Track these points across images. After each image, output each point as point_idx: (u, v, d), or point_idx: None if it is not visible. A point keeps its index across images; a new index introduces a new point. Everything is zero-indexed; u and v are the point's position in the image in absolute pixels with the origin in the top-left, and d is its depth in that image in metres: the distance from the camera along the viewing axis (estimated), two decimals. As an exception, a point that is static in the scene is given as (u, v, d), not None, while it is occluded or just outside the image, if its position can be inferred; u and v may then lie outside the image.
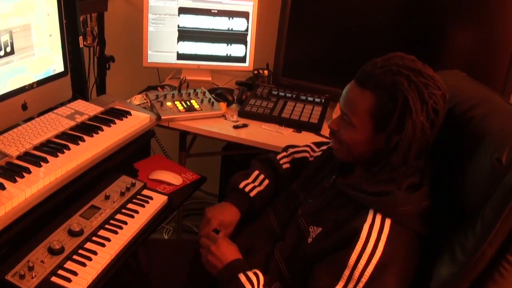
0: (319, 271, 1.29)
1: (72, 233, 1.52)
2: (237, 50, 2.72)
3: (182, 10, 2.63)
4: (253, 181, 1.74)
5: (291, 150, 1.83)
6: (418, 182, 1.31)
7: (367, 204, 1.30)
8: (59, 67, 1.99)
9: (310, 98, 2.44)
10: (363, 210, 1.29)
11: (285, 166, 1.79)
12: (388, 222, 1.25)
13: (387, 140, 1.28)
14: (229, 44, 2.71)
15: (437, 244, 1.29)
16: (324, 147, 1.73)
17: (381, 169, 1.32)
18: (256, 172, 1.76)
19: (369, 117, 1.30)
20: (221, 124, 2.26)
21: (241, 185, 1.71)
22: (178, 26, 2.65)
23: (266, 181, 1.74)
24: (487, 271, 1.13)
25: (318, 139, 2.13)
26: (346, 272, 1.23)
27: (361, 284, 1.22)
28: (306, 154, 1.78)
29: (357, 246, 1.23)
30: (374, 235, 1.24)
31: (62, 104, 2.01)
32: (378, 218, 1.26)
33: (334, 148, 1.45)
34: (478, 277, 1.13)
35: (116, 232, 1.59)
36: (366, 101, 1.29)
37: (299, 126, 2.26)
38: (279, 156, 1.82)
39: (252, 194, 1.70)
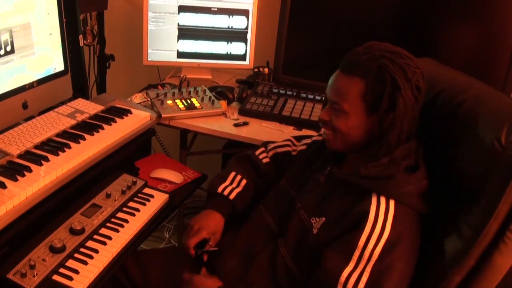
0: (329, 254, 1.33)
1: (73, 232, 1.52)
2: (237, 48, 2.72)
3: (182, 8, 2.63)
4: (231, 183, 1.72)
5: (271, 145, 1.82)
6: (413, 163, 1.37)
7: (371, 188, 1.35)
8: (59, 66, 1.99)
9: (310, 96, 2.44)
10: (366, 195, 1.34)
11: (265, 160, 1.78)
12: (392, 203, 1.31)
13: (382, 120, 1.35)
14: (229, 42, 2.71)
15: (436, 221, 1.36)
16: (307, 141, 1.74)
17: (378, 152, 1.37)
18: (233, 174, 1.74)
19: (360, 101, 1.35)
20: (222, 122, 2.26)
21: (219, 189, 1.69)
22: (178, 24, 2.65)
23: (244, 181, 1.73)
24: (493, 242, 1.20)
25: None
26: (356, 253, 1.28)
27: (371, 264, 1.26)
28: (289, 148, 1.77)
29: (366, 228, 1.28)
30: (381, 216, 1.29)
31: (62, 103, 2.01)
32: (383, 200, 1.32)
33: (328, 140, 1.47)
34: (485, 249, 1.21)
35: (117, 231, 1.59)
36: (355, 87, 1.35)
37: (299, 124, 2.26)
38: (257, 152, 1.81)
39: (232, 196, 1.68)
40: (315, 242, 1.40)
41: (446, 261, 1.27)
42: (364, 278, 1.26)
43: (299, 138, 1.81)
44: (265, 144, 1.86)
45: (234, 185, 1.71)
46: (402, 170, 1.35)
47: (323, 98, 2.41)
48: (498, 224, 1.19)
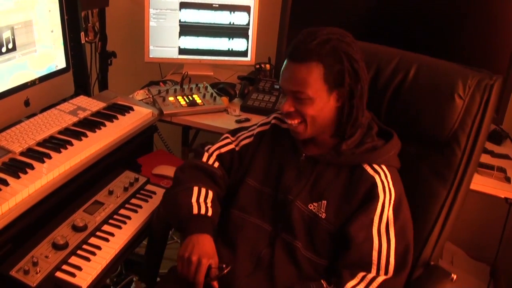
0: (353, 230, 1.41)
1: (76, 229, 1.52)
2: (238, 44, 2.72)
3: (184, 5, 2.63)
4: (199, 198, 1.55)
5: (211, 148, 1.70)
6: (377, 129, 1.54)
7: (363, 161, 1.48)
8: (61, 63, 1.99)
9: (312, 92, 2.43)
10: (358, 168, 1.47)
11: (215, 165, 1.66)
12: (384, 167, 1.47)
13: (351, 93, 1.45)
14: (231, 39, 2.71)
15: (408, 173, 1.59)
16: (246, 133, 1.70)
17: (353, 126, 1.48)
18: (196, 188, 1.56)
19: (323, 83, 1.42)
20: (224, 119, 2.26)
21: (195, 211, 1.52)
22: (180, 21, 2.65)
23: (210, 192, 1.58)
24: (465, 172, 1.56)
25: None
26: (376, 219, 1.41)
27: (390, 222, 1.42)
28: (231, 146, 1.69)
29: (380, 195, 1.42)
30: (385, 181, 1.44)
31: (64, 100, 2.01)
32: (377, 167, 1.47)
33: (297, 132, 1.50)
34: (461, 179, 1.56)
35: (120, 227, 1.60)
36: (315, 72, 1.41)
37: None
38: (204, 159, 1.66)
39: (210, 213, 1.54)
40: (327, 224, 1.45)
41: (441, 201, 1.56)
42: (392, 240, 1.40)
43: (233, 133, 1.75)
44: (203, 148, 1.71)
45: (201, 199, 1.55)
46: (376, 138, 1.51)
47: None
48: (466, 159, 1.55)
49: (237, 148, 1.68)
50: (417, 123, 1.61)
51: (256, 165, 1.61)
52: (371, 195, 1.43)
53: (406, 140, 1.57)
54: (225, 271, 1.44)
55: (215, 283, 1.45)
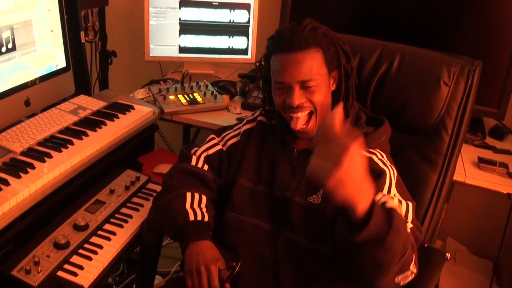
0: None
1: (77, 228, 1.52)
2: (239, 42, 2.72)
3: (183, 3, 2.62)
4: (192, 204, 1.52)
5: (198, 150, 1.65)
6: (365, 117, 1.56)
7: None
8: (61, 63, 1.99)
9: (313, 89, 2.43)
10: None
11: (205, 167, 1.62)
12: (379, 151, 1.48)
13: (346, 75, 1.50)
14: (231, 37, 2.71)
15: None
16: (232, 132, 1.67)
17: (347, 110, 1.51)
18: (189, 194, 1.53)
19: (324, 67, 1.45)
20: (225, 117, 2.26)
21: (191, 218, 1.49)
22: (180, 19, 2.65)
23: (204, 197, 1.55)
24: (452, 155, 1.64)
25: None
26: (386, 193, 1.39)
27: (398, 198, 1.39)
28: (219, 147, 1.65)
29: (385, 170, 1.41)
30: (383, 159, 1.45)
31: (65, 100, 2.01)
32: (372, 150, 1.46)
33: (307, 125, 1.48)
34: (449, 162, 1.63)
35: (121, 226, 1.60)
36: (317, 57, 1.43)
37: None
38: (193, 163, 1.62)
39: (206, 219, 1.51)
40: (323, 211, 1.42)
41: (432, 184, 1.63)
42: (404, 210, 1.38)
43: (218, 133, 1.71)
44: (190, 151, 1.67)
45: (195, 205, 1.53)
46: (365, 126, 1.52)
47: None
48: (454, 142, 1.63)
49: (224, 148, 1.64)
50: (404, 111, 1.66)
51: (246, 164, 1.58)
52: (376, 172, 1.38)
53: (394, 128, 1.60)
54: (237, 268, 1.43)
55: (228, 285, 1.42)
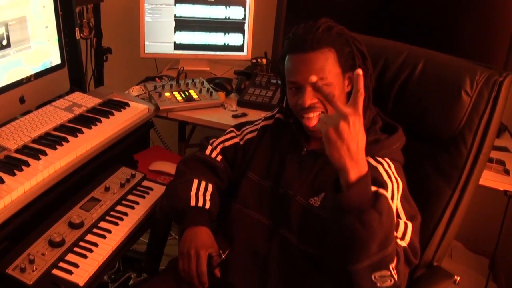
0: None
1: (72, 225, 1.52)
2: (234, 39, 2.71)
3: (179, 0, 2.61)
4: (198, 192, 1.57)
5: (215, 141, 1.71)
6: (382, 124, 1.51)
7: (366, 154, 1.33)
8: (56, 60, 1.98)
9: (309, 86, 2.42)
10: None
11: (218, 158, 1.67)
12: (387, 160, 1.43)
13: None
14: (227, 33, 2.70)
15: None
16: (251, 127, 1.70)
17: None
18: (196, 181, 1.58)
19: (338, 67, 1.43)
20: (220, 114, 2.25)
21: (193, 203, 1.54)
22: (175, 16, 2.64)
23: (210, 185, 1.59)
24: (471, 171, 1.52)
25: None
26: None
27: (401, 213, 1.37)
28: (236, 140, 1.70)
29: (387, 182, 1.35)
30: (389, 170, 1.40)
31: (60, 97, 2.00)
32: (380, 159, 1.42)
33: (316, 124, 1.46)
34: (467, 178, 1.52)
35: (116, 224, 1.59)
36: (330, 57, 1.42)
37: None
38: (207, 152, 1.68)
39: (207, 206, 1.55)
40: (321, 215, 1.41)
41: (445, 199, 1.53)
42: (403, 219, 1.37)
43: (238, 127, 1.75)
44: (206, 141, 1.73)
45: (201, 192, 1.57)
46: (379, 132, 1.48)
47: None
48: (474, 155, 1.50)
49: (241, 142, 1.68)
50: (423, 119, 1.58)
51: (258, 159, 1.61)
52: (377, 184, 1.33)
53: (411, 136, 1.53)
54: (224, 255, 1.48)
55: (217, 271, 1.48)
